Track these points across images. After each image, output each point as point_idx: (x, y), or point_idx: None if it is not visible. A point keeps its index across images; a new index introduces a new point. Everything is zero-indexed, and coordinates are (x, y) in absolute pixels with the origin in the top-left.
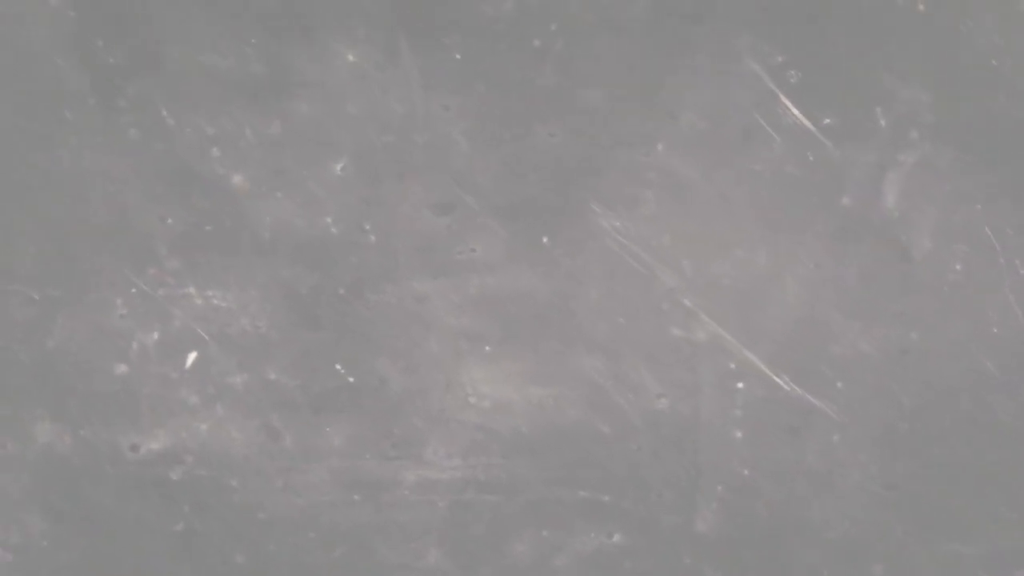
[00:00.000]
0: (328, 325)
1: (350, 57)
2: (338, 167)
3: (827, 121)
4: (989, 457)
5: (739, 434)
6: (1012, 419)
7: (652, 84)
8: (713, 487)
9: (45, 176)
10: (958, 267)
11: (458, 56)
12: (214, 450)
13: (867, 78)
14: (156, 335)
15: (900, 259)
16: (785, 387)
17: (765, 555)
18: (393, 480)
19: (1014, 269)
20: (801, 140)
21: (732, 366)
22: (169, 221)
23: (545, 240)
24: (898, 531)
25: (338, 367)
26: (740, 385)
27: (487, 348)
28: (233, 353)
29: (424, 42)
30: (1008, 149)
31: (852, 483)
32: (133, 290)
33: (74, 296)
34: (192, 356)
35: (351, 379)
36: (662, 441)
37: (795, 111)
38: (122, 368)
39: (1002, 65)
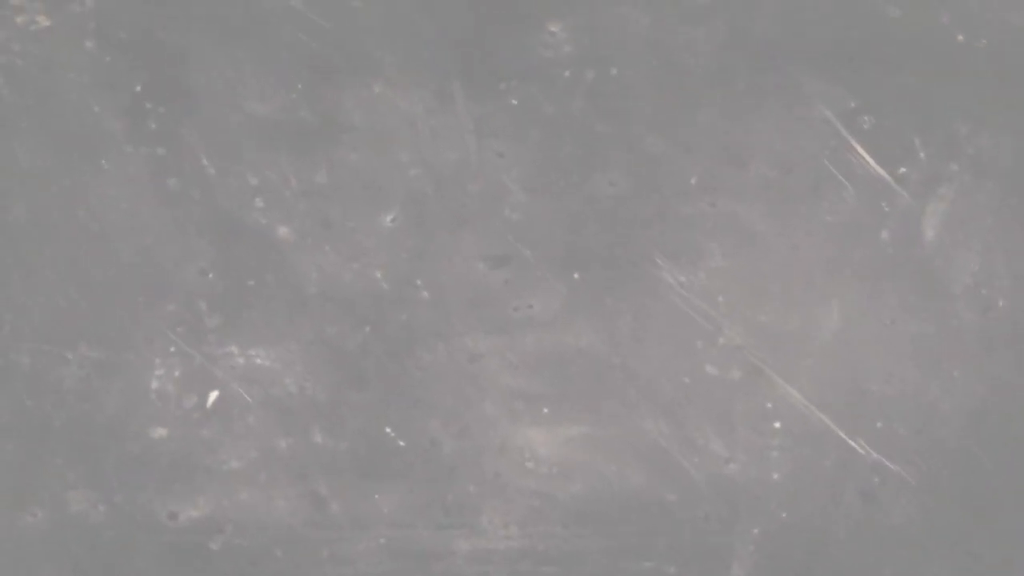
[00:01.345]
0: (377, 385)
1: (401, 102)
2: (388, 218)
3: (903, 170)
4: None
5: (818, 498)
6: None
7: (718, 130)
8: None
9: (80, 228)
10: None
11: (514, 101)
12: (256, 518)
13: (942, 123)
14: (196, 397)
15: (980, 314)
16: (860, 451)
17: None
18: (446, 550)
19: None
20: (875, 189)
21: (804, 428)
22: (210, 276)
23: (605, 295)
24: None
25: (388, 430)
26: (810, 449)
27: (545, 410)
28: (277, 415)
29: (478, 87)
30: None
31: (934, 547)
32: (172, 349)
33: (110, 356)
34: (234, 418)
35: (401, 442)
36: (731, 509)
37: (868, 159)
38: (160, 431)
39: None
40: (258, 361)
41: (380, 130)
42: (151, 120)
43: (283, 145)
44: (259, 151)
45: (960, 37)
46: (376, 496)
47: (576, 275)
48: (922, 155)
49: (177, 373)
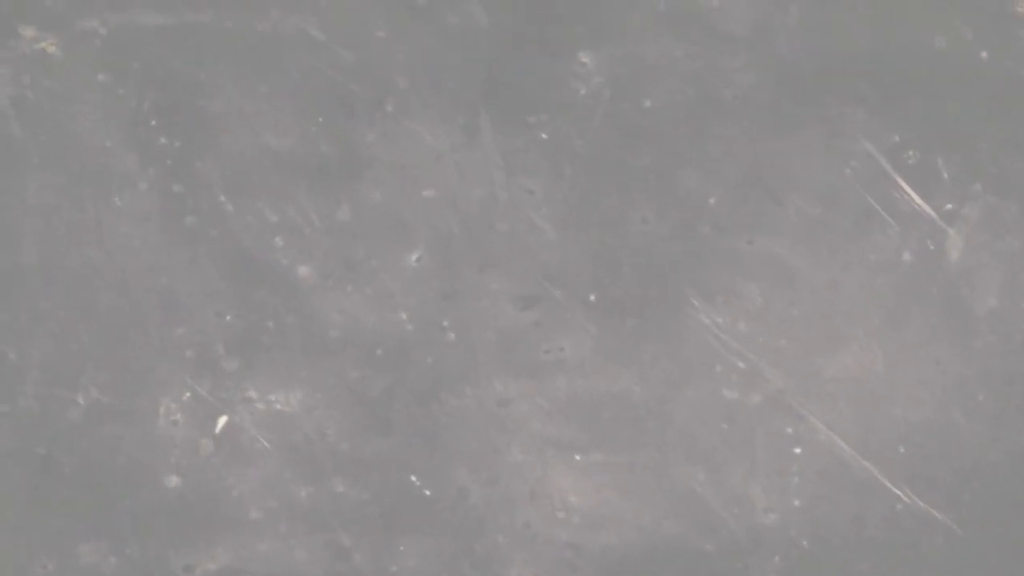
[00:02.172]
0: (402, 432)
1: (426, 136)
2: (413, 257)
3: (948, 206)
4: None
5: (860, 546)
6: None
7: (756, 165)
8: None
9: (92, 267)
10: None
11: (544, 136)
12: (276, 570)
13: (991, 158)
14: (212, 444)
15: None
16: (905, 499)
17: None
18: None
19: None
20: (920, 226)
21: (847, 477)
22: (228, 317)
23: (639, 337)
24: None
25: (413, 478)
26: (855, 499)
27: (577, 457)
28: (297, 463)
29: (507, 120)
30: None
31: None
32: (188, 394)
33: (123, 400)
34: (252, 466)
35: (427, 491)
36: (770, 560)
37: (913, 194)
38: (175, 480)
39: None
40: (278, 407)
41: (404, 165)
42: (166, 155)
43: (303, 181)
44: (279, 187)
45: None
46: (401, 548)
47: (609, 317)
48: (975, 189)
49: (194, 419)
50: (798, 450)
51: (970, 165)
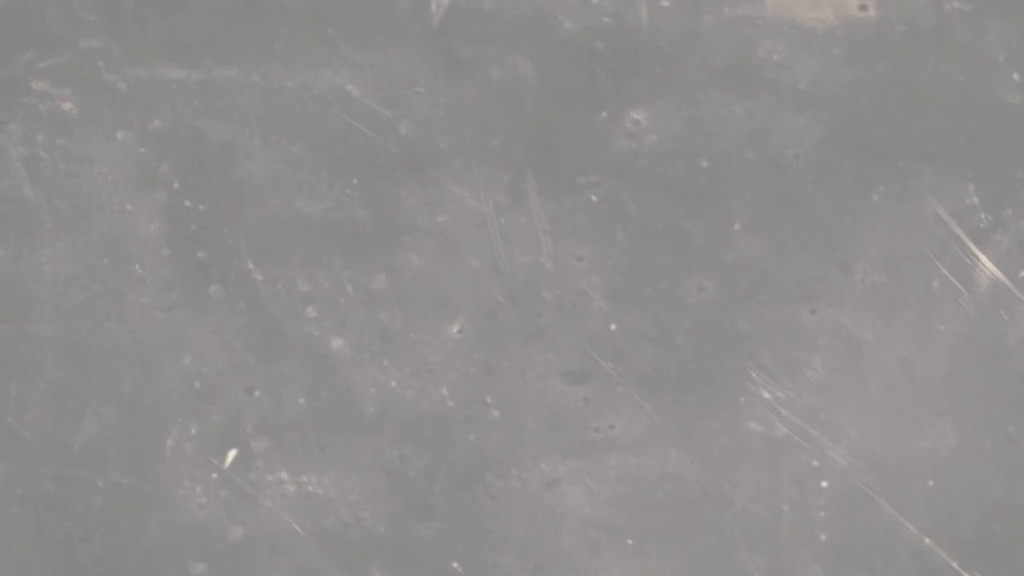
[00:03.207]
0: (442, 515)
1: (468, 199)
2: (454, 329)
3: (1023, 273)
4: None
5: None
6: None
7: (820, 229)
8: None
9: (112, 341)
10: None
11: (593, 198)
12: None
13: None
14: (241, 529)
15: None
16: None
17: None
18: None
19: None
20: (995, 295)
21: (919, 563)
22: (256, 393)
23: (695, 414)
24: None
25: (455, 565)
26: None
27: (629, 542)
28: (332, 549)
29: (554, 182)
30: None
31: None
32: (215, 475)
33: (146, 483)
34: (284, 552)
35: None
36: None
37: (986, 261)
38: (201, 568)
39: None
40: (310, 488)
41: (445, 231)
42: (191, 220)
43: (337, 247)
44: (311, 254)
45: None
46: None
47: (663, 393)
48: None
49: (221, 502)
50: (880, 535)
51: None
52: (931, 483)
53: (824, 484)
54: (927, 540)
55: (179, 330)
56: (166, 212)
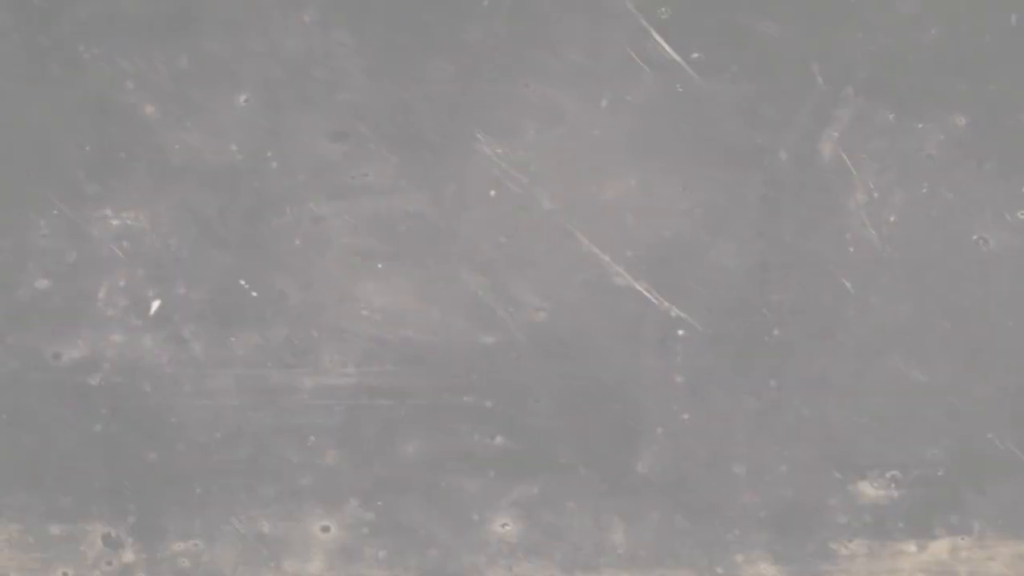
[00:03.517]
0: (233, 244)
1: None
2: (242, 99)
3: (695, 55)
4: (848, 371)
5: (621, 345)
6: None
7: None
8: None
9: None
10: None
11: None
12: (129, 358)
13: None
14: (75, 253)
15: (761, 184)
16: (654, 301)
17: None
18: (293, 386)
19: (868, 190)
20: (671, 73)
21: (604, 279)
22: (87, 149)
23: (433, 167)
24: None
25: (242, 282)
26: (611, 298)
27: (379, 265)
28: (146, 269)
29: None
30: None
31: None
32: (55, 212)
33: (1, 218)
34: (108, 272)
35: (254, 294)
36: (540, 350)
37: (665, 45)
38: (44, 283)
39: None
40: (129, 223)
41: (238, 22)
42: (36, 14)
43: (150, 35)
44: (129, 41)
45: None
46: (232, 339)
47: (406, 148)
48: (712, 42)
49: (59, 232)
50: (563, 260)
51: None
52: (618, 222)
53: (533, 223)
54: (610, 262)
55: (27, 100)
56: (15, 8)
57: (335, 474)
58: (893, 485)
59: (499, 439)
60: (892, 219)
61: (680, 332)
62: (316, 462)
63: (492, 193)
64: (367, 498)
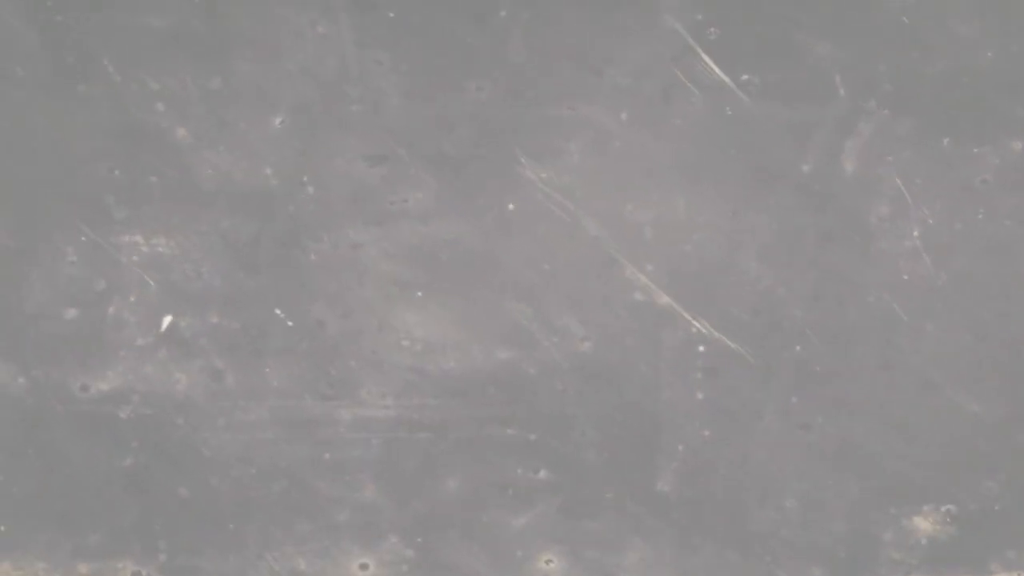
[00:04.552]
0: (267, 271)
1: (289, 16)
2: (277, 120)
3: (745, 77)
4: (903, 402)
5: (666, 376)
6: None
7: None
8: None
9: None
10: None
11: (391, 14)
12: (159, 390)
13: (781, 34)
14: (104, 281)
15: (815, 211)
16: (703, 331)
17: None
18: (329, 419)
19: (923, 218)
20: (720, 95)
21: (652, 308)
22: (116, 173)
23: (473, 192)
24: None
25: (277, 311)
26: (659, 328)
27: (419, 293)
28: (177, 298)
29: (359, 1)
30: (919, 105)
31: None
32: (83, 238)
33: (27, 244)
34: (138, 300)
35: (289, 323)
36: (585, 381)
37: (714, 66)
38: (72, 312)
39: (912, 21)
40: (160, 249)
41: (269, 40)
42: (61, 31)
43: (181, 55)
44: (160, 60)
45: None
46: (267, 370)
47: (447, 173)
48: (764, 64)
49: (88, 259)
50: (609, 288)
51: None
52: (664, 245)
53: (578, 250)
54: (653, 285)
55: (53, 121)
56: (40, 24)
57: (373, 510)
58: (948, 519)
59: (543, 473)
60: (947, 246)
61: (732, 365)
62: (354, 497)
63: (535, 219)
64: (407, 534)
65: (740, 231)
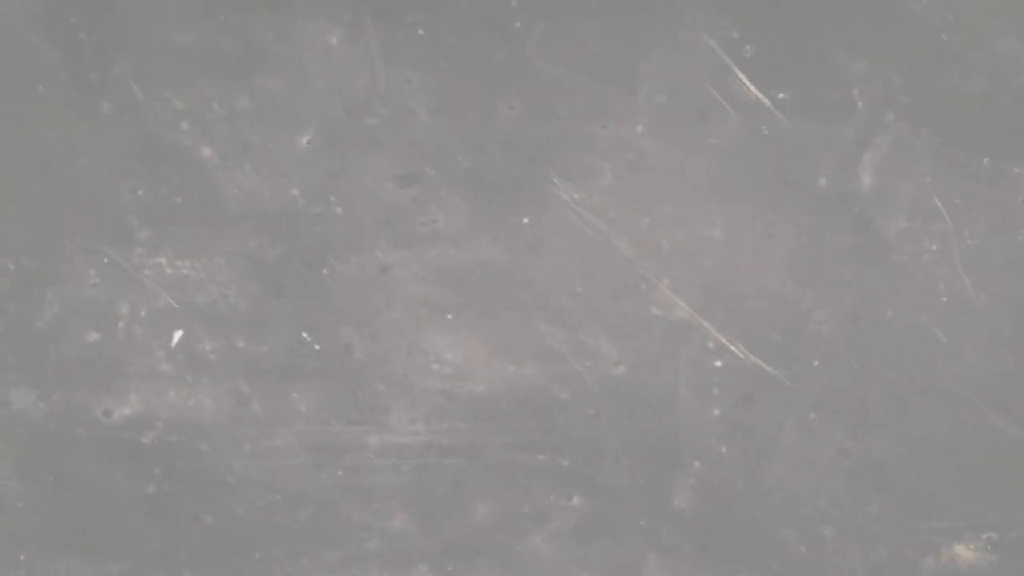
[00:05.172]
0: (294, 294)
1: (316, 33)
2: (304, 140)
3: (781, 95)
4: (941, 426)
5: (699, 394)
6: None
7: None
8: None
9: (19, 150)
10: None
11: (420, 32)
12: (184, 415)
13: (818, 53)
14: (127, 304)
15: (851, 233)
16: (739, 354)
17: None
18: (358, 444)
19: (962, 239)
20: (755, 114)
21: (684, 330)
22: (140, 193)
23: (505, 213)
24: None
25: (304, 335)
26: (693, 351)
27: (449, 316)
28: (202, 321)
29: (387, 18)
30: (959, 124)
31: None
32: (106, 260)
33: (49, 266)
34: (162, 324)
35: (317, 346)
36: (620, 406)
37: (750, 85)
38: (95, 336)
39: (952, 40)
40: (184, 272)
41: (296, 59)
42: (84, 49)
43: (206, 73)
44: (184, 78)
45: None
46: (294, 395)
47: (478, 193)
48: (800, 82)
49: (111, 282)
50: (643, 312)
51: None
52: (698, 267)
53: (613, 268)
54: (693, 313)
55: (76, 141)
56: (63, 43)
57: (403, 537)
58: (989, 547)
59: (576, 499)
60: (987, 267)
61: (769, 389)
62: (383, 525)
63: (568, 240)
64: (437, 562)
65: (776, 251)
